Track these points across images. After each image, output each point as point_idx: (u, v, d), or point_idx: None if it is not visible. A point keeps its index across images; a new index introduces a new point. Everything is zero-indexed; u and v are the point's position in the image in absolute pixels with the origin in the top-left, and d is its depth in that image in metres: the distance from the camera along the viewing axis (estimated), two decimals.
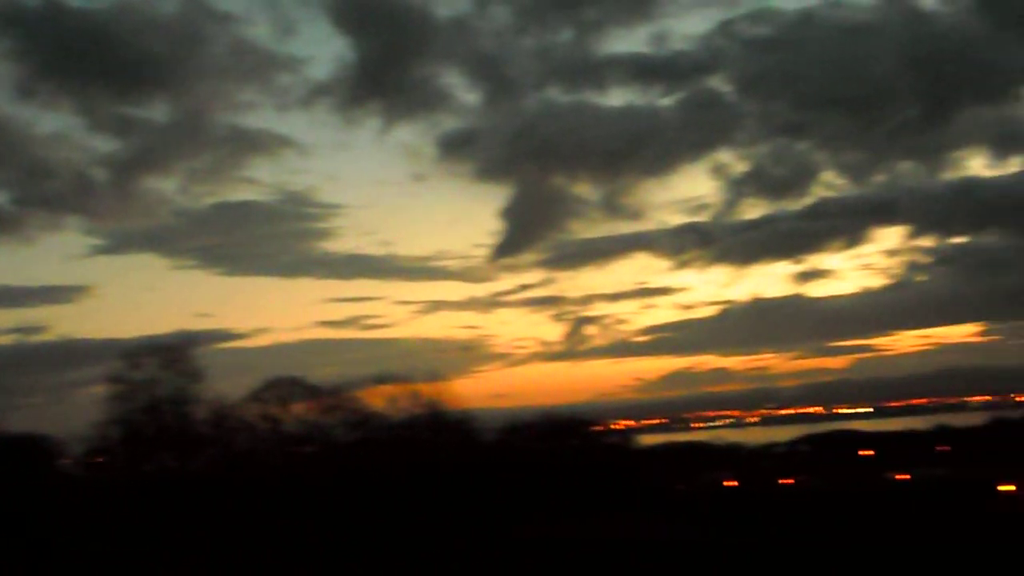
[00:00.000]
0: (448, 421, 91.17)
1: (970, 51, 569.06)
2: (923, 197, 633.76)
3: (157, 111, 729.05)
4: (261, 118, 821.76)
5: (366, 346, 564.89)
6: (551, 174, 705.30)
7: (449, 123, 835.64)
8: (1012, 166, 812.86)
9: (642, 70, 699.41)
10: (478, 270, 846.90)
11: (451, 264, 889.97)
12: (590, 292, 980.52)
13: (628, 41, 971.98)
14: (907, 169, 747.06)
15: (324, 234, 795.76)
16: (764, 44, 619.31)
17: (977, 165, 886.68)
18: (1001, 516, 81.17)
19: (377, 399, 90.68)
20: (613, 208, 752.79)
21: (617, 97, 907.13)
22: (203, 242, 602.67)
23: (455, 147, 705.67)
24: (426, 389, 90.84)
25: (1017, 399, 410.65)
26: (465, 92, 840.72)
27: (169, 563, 62.95)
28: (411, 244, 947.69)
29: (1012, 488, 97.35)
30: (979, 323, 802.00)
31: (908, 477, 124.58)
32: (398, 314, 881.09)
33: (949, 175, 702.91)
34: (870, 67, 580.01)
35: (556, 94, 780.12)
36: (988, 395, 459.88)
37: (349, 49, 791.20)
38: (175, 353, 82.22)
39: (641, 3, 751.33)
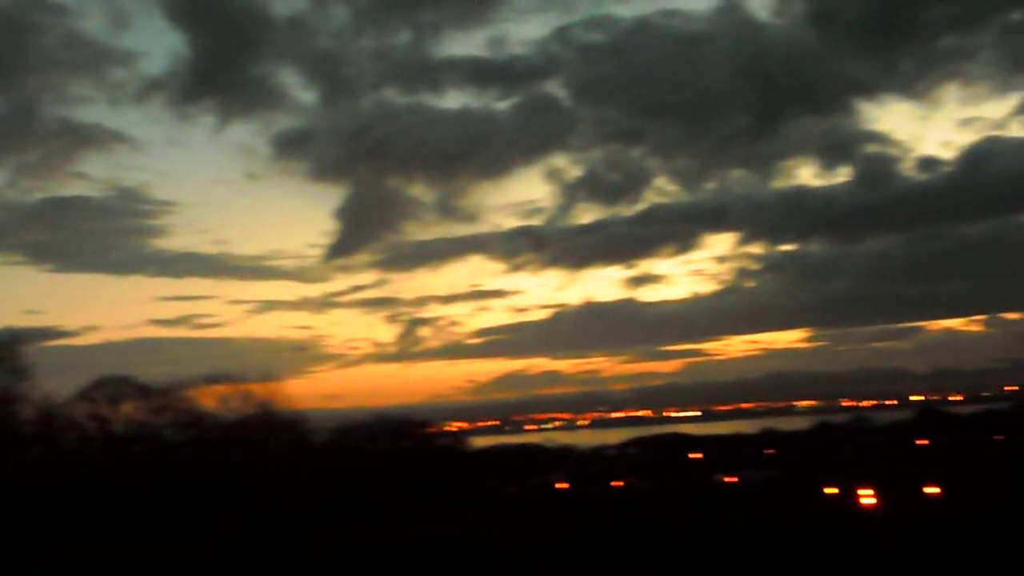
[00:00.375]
0: (280, 422, 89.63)
1: (801, 63, 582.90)
2: (753, 205, 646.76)
3: None
4: (93, 112, 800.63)
5: (198, 345, 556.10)
6: (386, 175, 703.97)
7: (285, 122, 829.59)
8: (839, 176, 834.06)
9: (479, 73, 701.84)
10: (312, 270, 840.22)
11: (285, 264, 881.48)
12: (424, 294, 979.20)
13: (465, 44, 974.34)
14: (738, 177, 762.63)
15: (156, 231, 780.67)
16: (600, 51, 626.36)
17: (806, 174, 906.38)
18: (825, 517, 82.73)
19: (209, 399, 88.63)
20: (448, 210, 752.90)
21: (454, 100, 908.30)
22: (32, 237, 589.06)
23: (290, 146, 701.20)
24: (258, 389, 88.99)
25: (841, 404, 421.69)
26: (301, 91, 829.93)
27: None
28: (245, 243, 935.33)
29: (836, 491, 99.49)
30: (806, 329, 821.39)
31: (736, 480, 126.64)
32: (231, 313, 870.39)
33: (779, 184, 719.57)
34: (703, 76, 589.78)
35: (393, 95, 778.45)
36: (814, 400, 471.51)
37: (184, 45, 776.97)
38: (1, 350, 79.01)
39: (479, 7, 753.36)
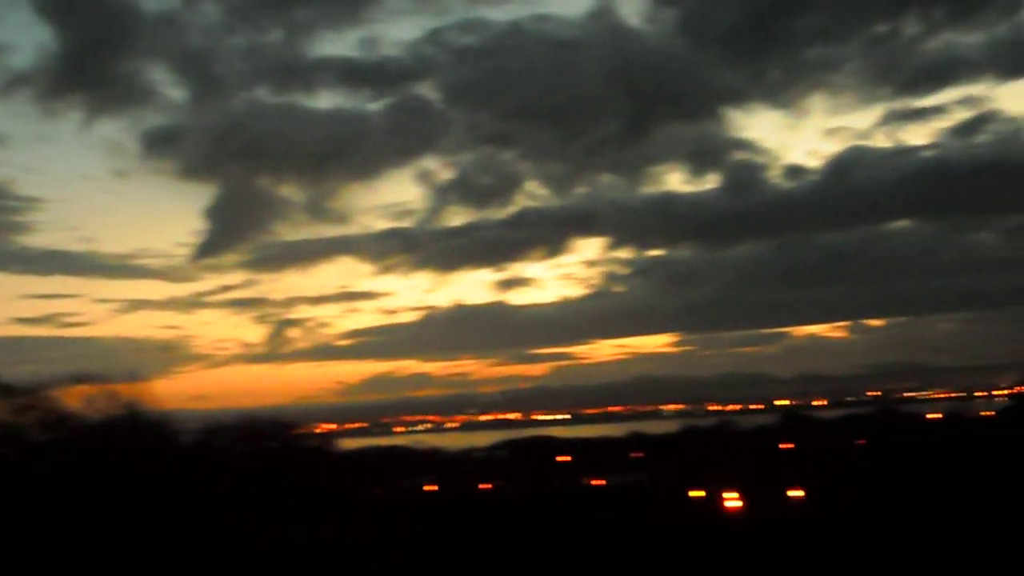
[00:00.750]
0: (147, 423, 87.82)
1: (671, 70, 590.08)
2: (622, 210, 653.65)
3: None
4: None
5: (64, 344, 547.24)
6: (257, 175, 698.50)
7: (154, 119, 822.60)
8: (708, 183, 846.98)
9: (351, 74, 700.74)
10: (180, 269, 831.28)
11: (153, 263, 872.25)
12: (293, 294, 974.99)
13: (338, 44, 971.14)
14: (608, 182, 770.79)
15: (21, 228, 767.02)
16: (472, 54, 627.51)
17: (675, 181, 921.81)
18: (692, 520, 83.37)
19: (74, 399, 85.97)
20: (318, 211, 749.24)
21: (325, 100, 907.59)
22: None
23: (160, 144, 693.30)
24: (125, 389, 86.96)
25: (708, 408, 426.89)
26: (172, 88, 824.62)
27: None
28: (112, 241, 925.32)
29: (702, 494, 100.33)
30: (673, 334, 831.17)
31: (604, 483, 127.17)
32: (97, 312, 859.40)
33: (648, 189, 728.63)
34: (575, 81, 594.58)
35: (264, 94, 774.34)
36: (681, 403, 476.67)
37: (52, 38, 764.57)
38: None
39: (351, 7, 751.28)
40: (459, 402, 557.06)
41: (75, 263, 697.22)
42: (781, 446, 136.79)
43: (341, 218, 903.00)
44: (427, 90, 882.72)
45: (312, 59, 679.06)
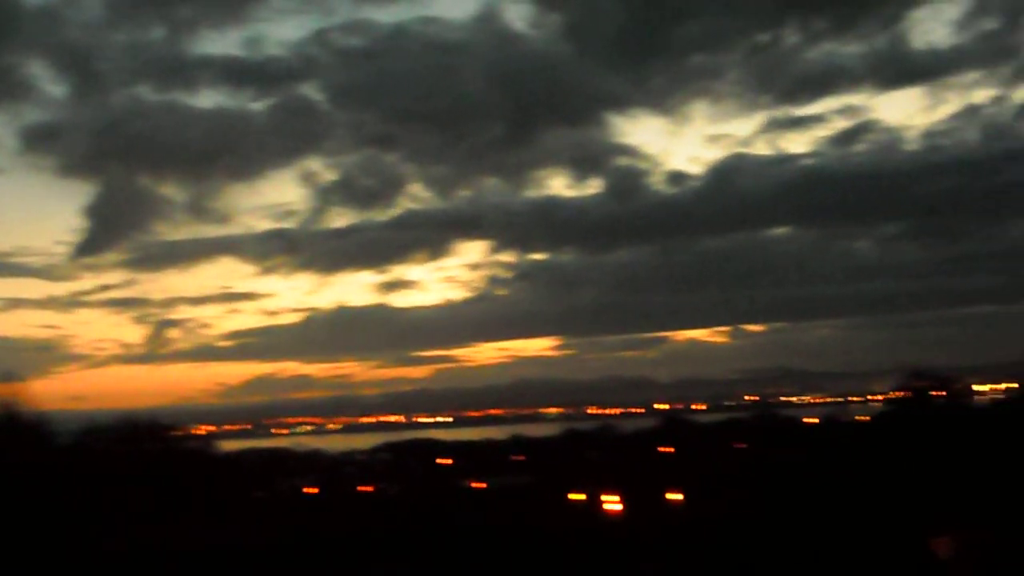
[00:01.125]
0: (23, 423, 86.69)
1: (556, 75, 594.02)
2: (505, 213, 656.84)
3: None
4: None
5: None
6: (137, 173, 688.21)
7: (33, 115, 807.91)
8: (590, 188, 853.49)
9: (234, 73, 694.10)
10: (59, 268, 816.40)
11: (30, 261, 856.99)
12: (173, 295, 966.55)
13: (221, 43, 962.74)
14: (491, 185, 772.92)
15: None
16: (357, 55, 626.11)
17: (558, 185, 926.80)
18: (572, 523, 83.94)
19: None
20: (200, 211, 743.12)
21: (208, 99, 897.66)
22: None
23: (38, 140, 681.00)
24: (1, 390, 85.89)
25: (589, 411, 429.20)
26: (51, 84, 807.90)
27: None
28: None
29: (582, 497, 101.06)
30: (555, 337, 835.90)
31: (485, 485, 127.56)
32: None
33: (531, 193, 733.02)
34: (459, 84, 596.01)
35: (146, 92, 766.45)
36: (562, 407, 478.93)
37: None
38: None
39: (235, 6, 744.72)
40: (341, 404, 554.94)
41: None
42: (661, 450, 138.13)
43: (223, 218, 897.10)
44: (311, 91, 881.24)
45: (195, 57, 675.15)
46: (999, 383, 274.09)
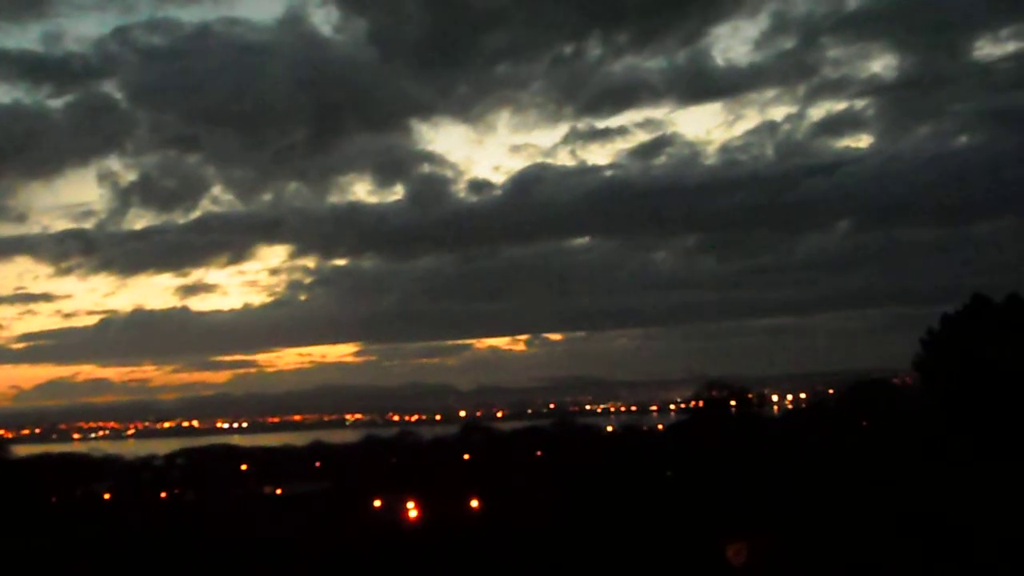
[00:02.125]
0: None
1: (360, 80, 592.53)
2: (307, 218, 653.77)
3: None
4: None
5: None
6: None
7: None
8: (394, 194, 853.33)
9: (32, 68, 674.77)
10: None
11: None
12: None
13: (18, 37, 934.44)
14: (294, 190, 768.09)
15: None
16: (159, 54, 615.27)
17: (361, 191, 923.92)
18: (371, 529, 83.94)
19: None
20: None
21: (3, 94, 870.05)
22: None
23: None
24: None
25: (390, 418, 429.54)
26: None
27: None
28: None
29: (381, 503, 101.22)
30: (356, 343, 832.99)
31: (281, 491, 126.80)
32: None
33: (334, 199, 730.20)
34: (263, 87, 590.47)
35: None
36: (362, 413, 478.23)
37: None
38: None
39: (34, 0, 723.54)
40: (138, 409, 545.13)
41: None
42: (462, 457, 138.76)
43: (18, 217, 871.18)
44: (112, 89, 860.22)
45: None
46: (793, 393, 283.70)
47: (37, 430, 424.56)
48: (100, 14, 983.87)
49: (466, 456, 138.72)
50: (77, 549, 73.28)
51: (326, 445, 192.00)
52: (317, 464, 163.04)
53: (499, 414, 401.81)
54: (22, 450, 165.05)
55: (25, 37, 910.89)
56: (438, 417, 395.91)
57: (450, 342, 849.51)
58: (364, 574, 65.62)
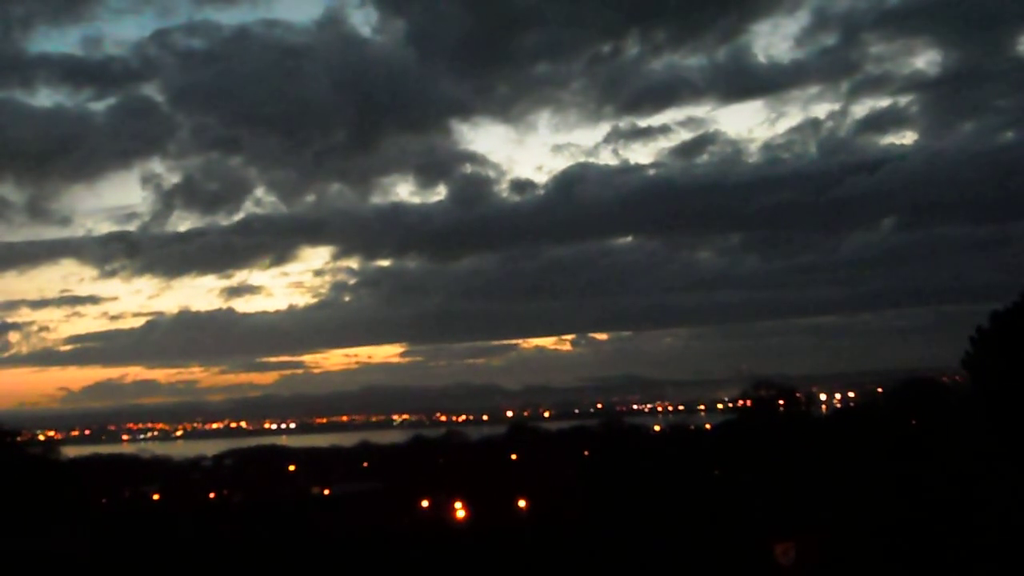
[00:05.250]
0: None
1: (400, 81, 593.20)
2: (350, 219, 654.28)
3: None
4: None
5: None
6: None
7: None
8: (436, 195, 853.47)
9: (73, 72, 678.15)
10: None
11: None
12: (13, 297, 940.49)
13: (59, 41, 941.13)
14: (336, 191, 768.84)
15: None
16: (199, 56, 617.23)
17: (403, 191, 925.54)
18: (421, 528, 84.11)
19: None
20: (39, 212, 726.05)
21: (46, 98, 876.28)
22: None
23: None
24: None
25: (437, 418, 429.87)
26: None
27: None
28: None
29: (429, 503, 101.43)
30: (401, 344, 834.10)
31: (331, 492, 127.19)
32: None
33: (376, 200, 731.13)
34: (304, 88, 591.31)
35: None
36: (409, 414, 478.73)
37: None
38: None
39: (73, 4, 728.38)
40: (186, 410, 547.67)
41: None
42: (509, 457, 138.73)
43: (62, 220, 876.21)
44: (152, 91, 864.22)
45: (32, 55, 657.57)
46: (841, 392, 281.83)
47: (86, 431, 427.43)
48: (138, 17, 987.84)
49: (513, 456, 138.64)
50: (126, 550, 73.64)
51: (373, 445, 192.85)
52: (364, 464, 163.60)
53: (546, 414, 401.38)
54: (71, 451, 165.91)
55: (64, 41, 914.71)
56: (485, 417, 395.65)
57: (496, 342, 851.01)
58: (413, 573, 65.68)
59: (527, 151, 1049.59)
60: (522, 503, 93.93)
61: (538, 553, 66.37)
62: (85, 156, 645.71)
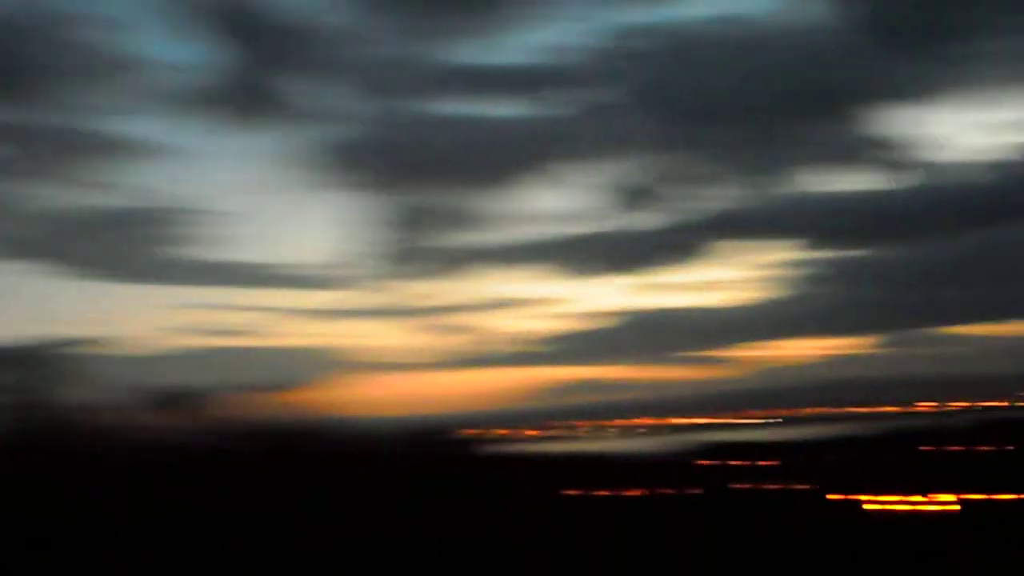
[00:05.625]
0: (320, 429, 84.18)
1: (861, 66, 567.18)
2: (811, 209, 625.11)
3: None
4: (124, 121, 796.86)
5: (232, 354, 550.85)
6: (428, 184, 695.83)
7: (334, 132, 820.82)
8: (898, 180, 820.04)
9: (532, 80, 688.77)
10: (356, 279, 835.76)
11: (321, 272, 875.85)
12: (494, 298, 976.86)
13: (518, 52, 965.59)
14: (800, 181, 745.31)
15: (189, 240, 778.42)
16: (656, 57, 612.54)
17: (860, 179, 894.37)
18: None
19: (248, 407, 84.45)
20: (507, 217, 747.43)
21: (503, 108, 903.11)
22: (63, 247, 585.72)
23: (339, 156, 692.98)
24: (301, 396, 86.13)
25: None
26: (349, 101, 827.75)
27: None
28: (289, 252, 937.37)
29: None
30: (867, 334, 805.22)
31: None
32: (269, 322, 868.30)
33: (839, 187, 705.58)
34: (753, 79, 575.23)
35: (439, 104, 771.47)
36: (887, 405, 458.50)
37: None
38: (42, 359, 76.33)
39: (532, 11, 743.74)
40: (652, 404, 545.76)
41: (248, 274, 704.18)
42: None
43: (528, 221, 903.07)
44: (612, 94, 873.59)
45: (497, 65, 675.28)
46: None
47: (558, 428, 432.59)
48: (589, 24, 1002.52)
49: None
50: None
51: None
52: None
53: None
54: (543, 447, 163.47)
55: (524, 51, 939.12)
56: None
57: (967, 328, 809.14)
58: None
59: (985, 132, 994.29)
60: None
61: None
62: (546, 162, 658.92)
